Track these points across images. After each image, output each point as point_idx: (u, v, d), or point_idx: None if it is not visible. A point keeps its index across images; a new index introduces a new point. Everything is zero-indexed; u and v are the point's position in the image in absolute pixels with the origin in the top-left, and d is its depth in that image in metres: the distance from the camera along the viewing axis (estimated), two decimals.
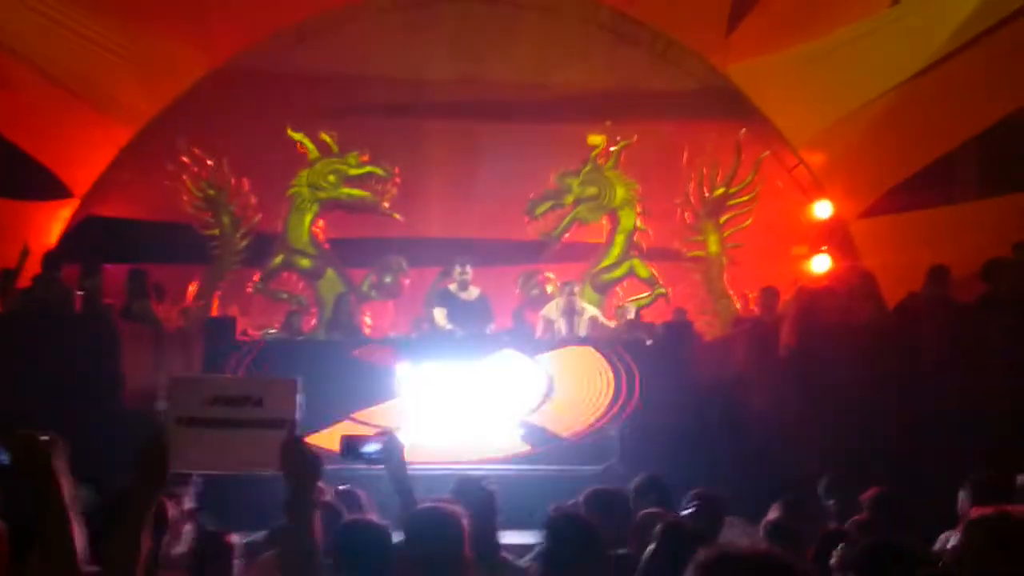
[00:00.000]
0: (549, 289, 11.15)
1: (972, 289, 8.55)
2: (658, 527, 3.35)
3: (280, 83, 11.41)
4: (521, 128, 11.53)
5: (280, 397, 2.25)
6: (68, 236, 11.35)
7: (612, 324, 9.96)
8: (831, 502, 4.88)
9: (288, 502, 2.22)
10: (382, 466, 3.21)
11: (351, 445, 3.08)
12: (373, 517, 3.67)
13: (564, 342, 9.16)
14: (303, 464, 2.23)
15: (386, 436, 3.13)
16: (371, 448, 3.06)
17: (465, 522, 3.05)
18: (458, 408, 8.26)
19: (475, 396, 8.32)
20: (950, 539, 4.01)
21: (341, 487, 4.68)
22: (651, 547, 3.27)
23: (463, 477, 4.44)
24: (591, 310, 9.93)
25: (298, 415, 2.25)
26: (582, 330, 9.57)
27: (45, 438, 2.29)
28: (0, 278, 8.98)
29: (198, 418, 2.22)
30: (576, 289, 10.02)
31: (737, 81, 11.67)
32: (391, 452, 3.10)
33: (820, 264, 11.32)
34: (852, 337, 7.39)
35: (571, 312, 9.69)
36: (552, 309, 9.85)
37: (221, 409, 2.23)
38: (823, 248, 11.39)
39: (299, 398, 2.27)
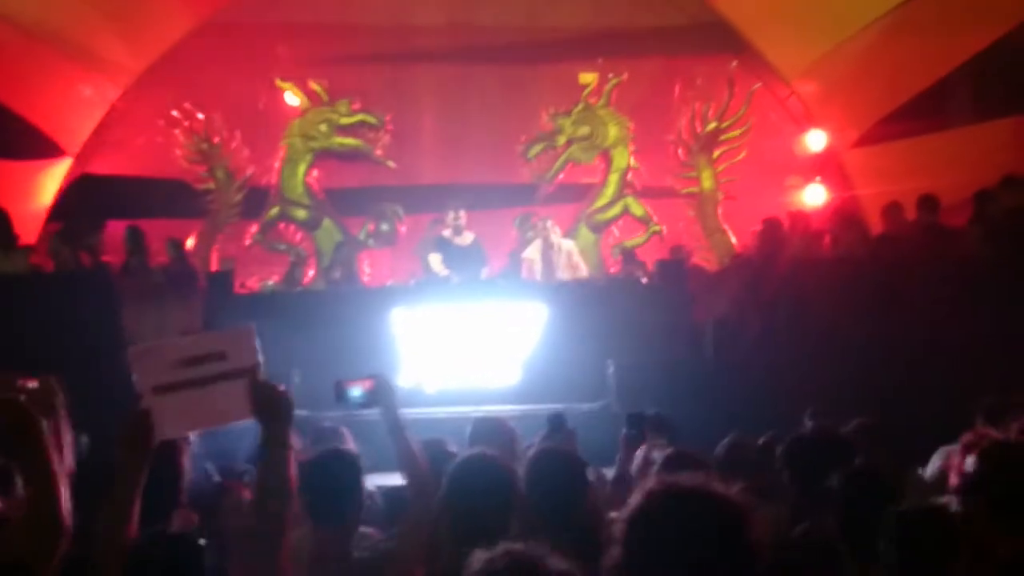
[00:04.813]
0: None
1: (966, 215, 8.57)
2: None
3: (267, 34, 11.30)
4: (511, 70, 11.45)
5: (240, 346, 2.30)
6: (64, 195, 11.34)
7: (582, 261, 9.99)
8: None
9: (261, 444, 2.29)
10: (372, 408, 3.22)
11: (340, 390, 3.14)
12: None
13: (561, 282, 9.20)
14: (273, 405, 2.29)
15: (376, 379, 3.16)
16: (357, 392, 3.10)
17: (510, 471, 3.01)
18: (456, 351, 8.32)
19: (473, 339, 8.37)
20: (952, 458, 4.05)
21: (327, 424, 4.65)
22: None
23: (480, 418, 4.47)
24: (567, 244, 10.00)
25: (260, 359, 2.30)
26: (560, 265, 9.63)
27: (34, 384, 2.34)
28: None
29: (172, 383, 2.25)
30: (550, 224, 10.06)
31: (727, 14, 11.52)
32: (380, 394, 3.12)
33: (814, 195, 11.33)
34: (839, 267, 7.43)
35: (548, 249, 9.78)
36: (533, 249, 9.93)
37: (190, 370, 2.26)
38: (817, 179, 11.38)
39: (258, 343, 2.31)
